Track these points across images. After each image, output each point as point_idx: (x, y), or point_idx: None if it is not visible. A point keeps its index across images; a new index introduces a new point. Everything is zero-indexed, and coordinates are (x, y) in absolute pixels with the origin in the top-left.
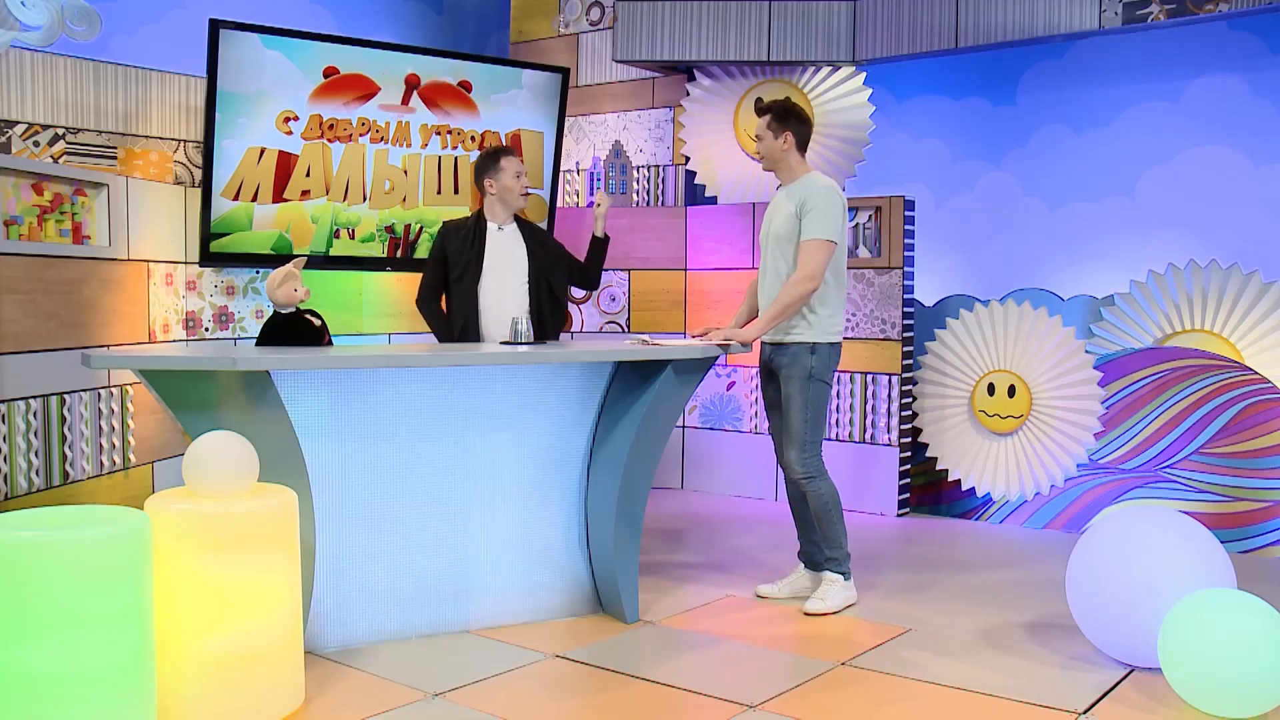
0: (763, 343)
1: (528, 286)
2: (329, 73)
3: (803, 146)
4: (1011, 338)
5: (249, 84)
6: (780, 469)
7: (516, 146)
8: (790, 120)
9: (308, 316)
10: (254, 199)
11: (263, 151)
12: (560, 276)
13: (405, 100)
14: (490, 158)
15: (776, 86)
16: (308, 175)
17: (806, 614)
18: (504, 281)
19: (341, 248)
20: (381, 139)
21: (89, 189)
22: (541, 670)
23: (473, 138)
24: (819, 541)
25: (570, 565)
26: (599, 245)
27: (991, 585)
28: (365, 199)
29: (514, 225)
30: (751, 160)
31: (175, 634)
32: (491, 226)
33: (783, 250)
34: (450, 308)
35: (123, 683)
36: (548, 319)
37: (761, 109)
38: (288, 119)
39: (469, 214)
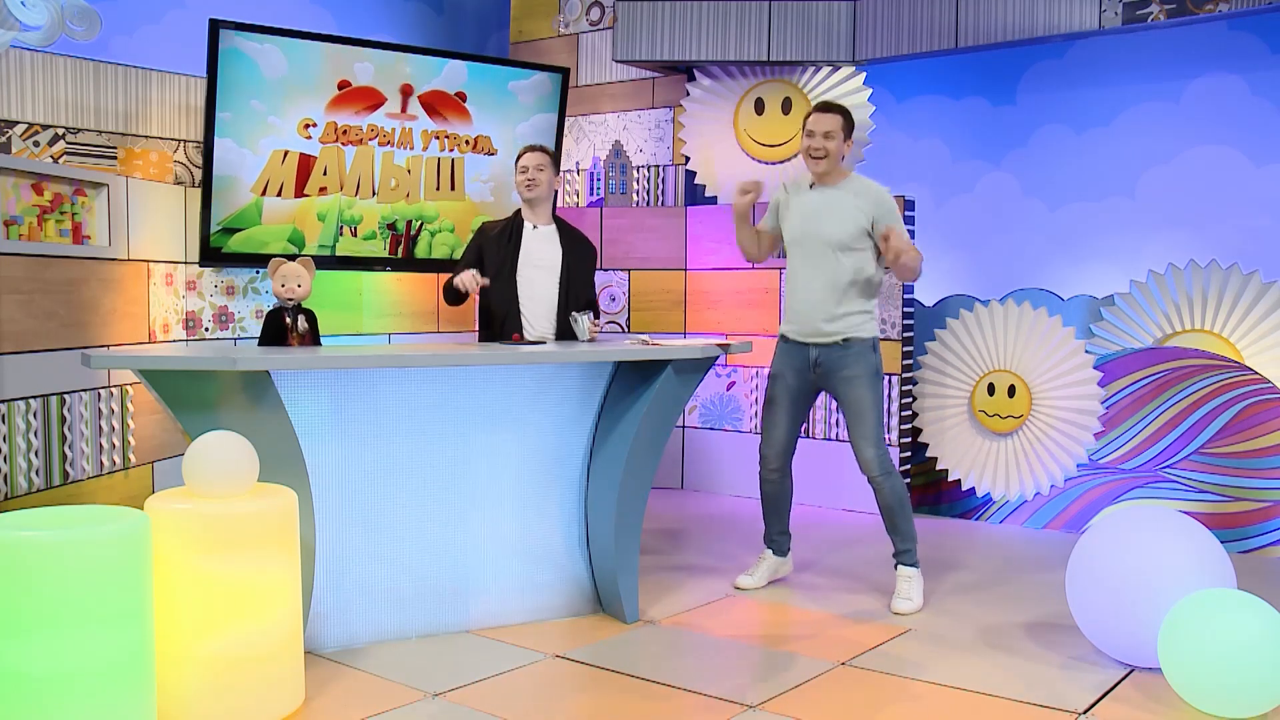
0: (801, 342)
1: (559, 287)
2: (342, 85)
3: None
4: (1011, 338)
5: (270, 93)
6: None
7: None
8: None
9: (300, 315)
10: (279, 194)
11: (286, 154)
12: (581, 288)
13: (405, 108)
14: (519, 155)
15: (776, 86)
16: (325, 174)
17: (897, 614)
18: (536, 281)
19: (344, 246)
20: (388, 142)
21: (89, 189)
22: (541, 670)
23: (467, 140)
24: (789, 531)
25: (570, 565)
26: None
27: (991, 585)
28: (374, 194)
29: (552, 226)
30: (751, 160)
31: (175, 634)
32: (527, 226)
33: (840, 255)
34: (490, 304)
35: (123, 683)
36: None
37: (832, 108)
38: (308, 125)
39: (509, 215)
